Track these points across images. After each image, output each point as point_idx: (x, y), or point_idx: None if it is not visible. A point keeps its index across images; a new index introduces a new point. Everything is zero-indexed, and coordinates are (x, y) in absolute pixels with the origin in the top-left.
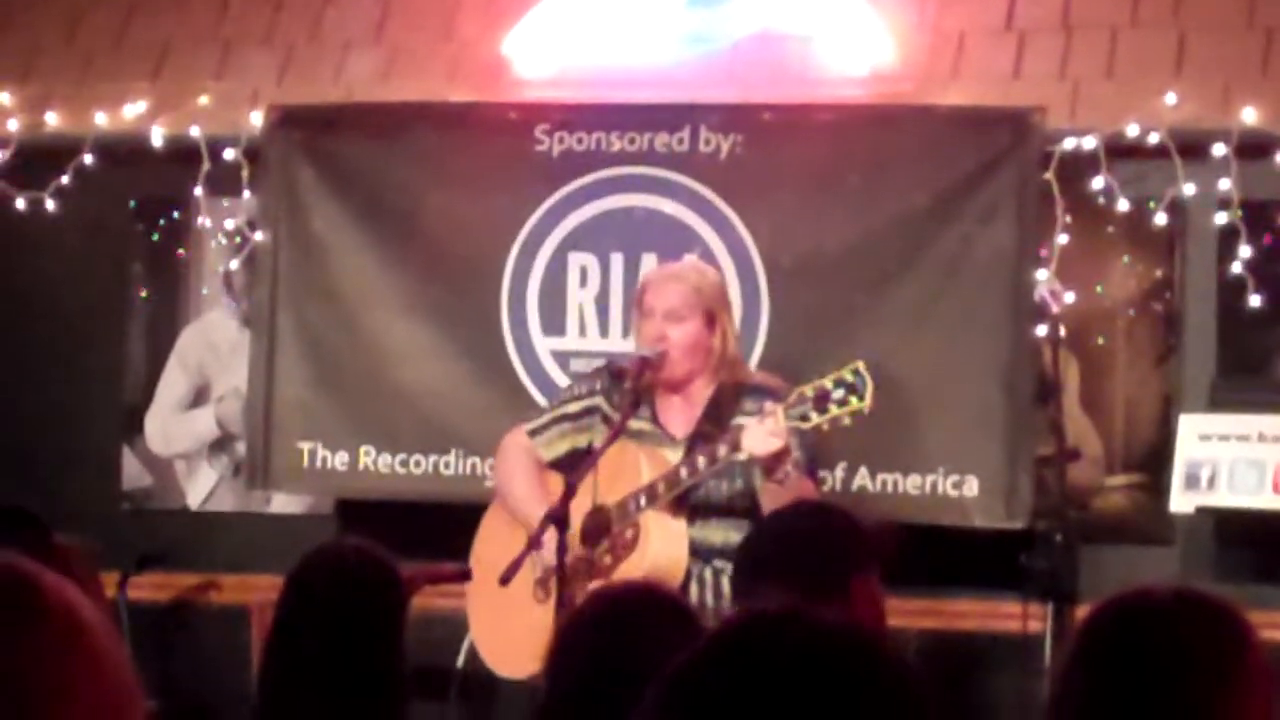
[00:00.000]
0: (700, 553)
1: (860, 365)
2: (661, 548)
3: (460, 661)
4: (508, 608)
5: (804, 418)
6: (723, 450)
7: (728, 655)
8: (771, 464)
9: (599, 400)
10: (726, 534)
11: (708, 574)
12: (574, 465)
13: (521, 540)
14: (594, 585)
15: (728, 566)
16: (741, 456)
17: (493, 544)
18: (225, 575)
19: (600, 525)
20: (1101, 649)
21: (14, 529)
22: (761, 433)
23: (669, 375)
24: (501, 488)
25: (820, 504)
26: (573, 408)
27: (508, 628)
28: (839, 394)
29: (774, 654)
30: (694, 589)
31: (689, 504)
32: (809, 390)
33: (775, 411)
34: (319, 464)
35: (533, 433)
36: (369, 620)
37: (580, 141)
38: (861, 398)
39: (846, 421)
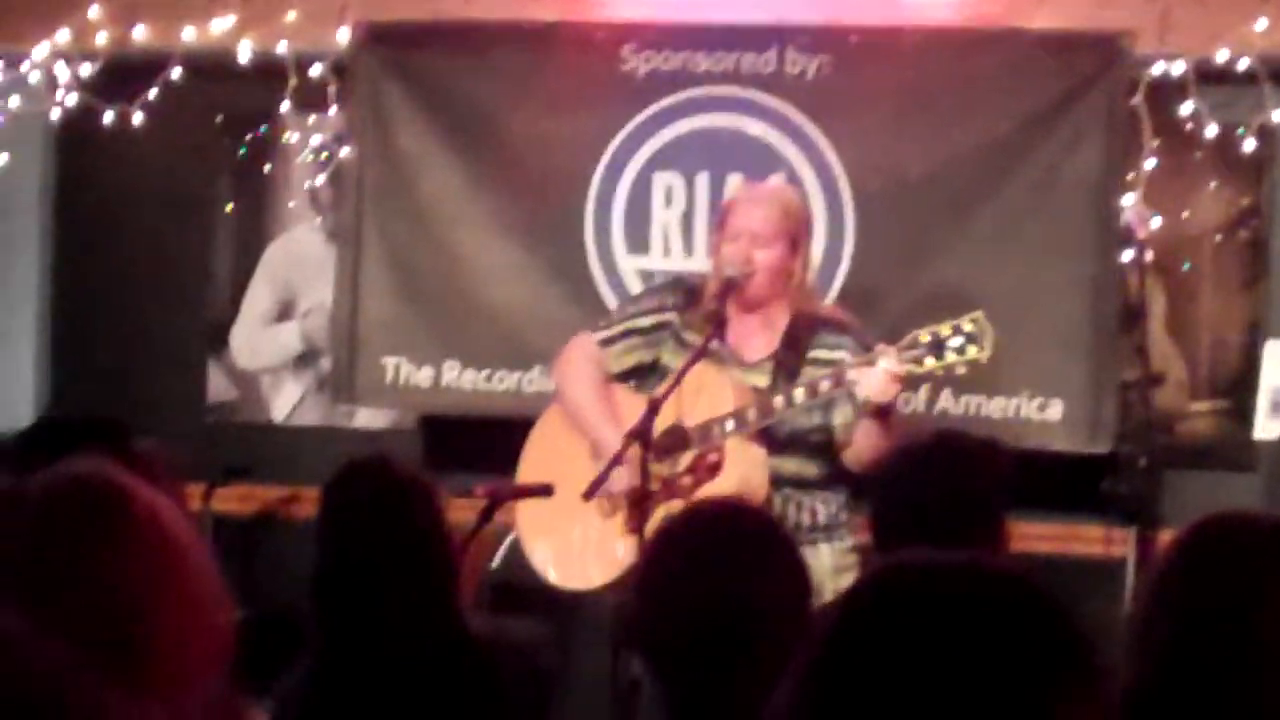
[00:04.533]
0: (774, 481)
1: (979, 315)
2: (745, 473)
3: (495, 563)
4: (568, 517)
5: (917, 362)
6: (825, 386)
7: (887, 605)
8: (883, 408)
9: (671, 316)
10: (800, 465)
11: (777, 500)
12: (639, 380)
13: (582, 448)
14: (672, 505)
15: (796, 494)
16: (848, 395)
17: (549, 448)
18: (309, 488)
19: (675, 444)
20: (1201, 566)
21: (96, 437)
22: (879, 377)
23: (750, 298)
24: (567, 394)
25: (960, 438)
26: (644, 322)
27: (569, 537)
28: (957, 342)
29: (931, 601)
30: None
31: (764, 434)
32: (924, 336)
33: (890, 354)
34: (403, 379)
35: (603, 343)
36: (408, 524)
37: (666, 61)
38: (981, 348)
39: (961, 370)
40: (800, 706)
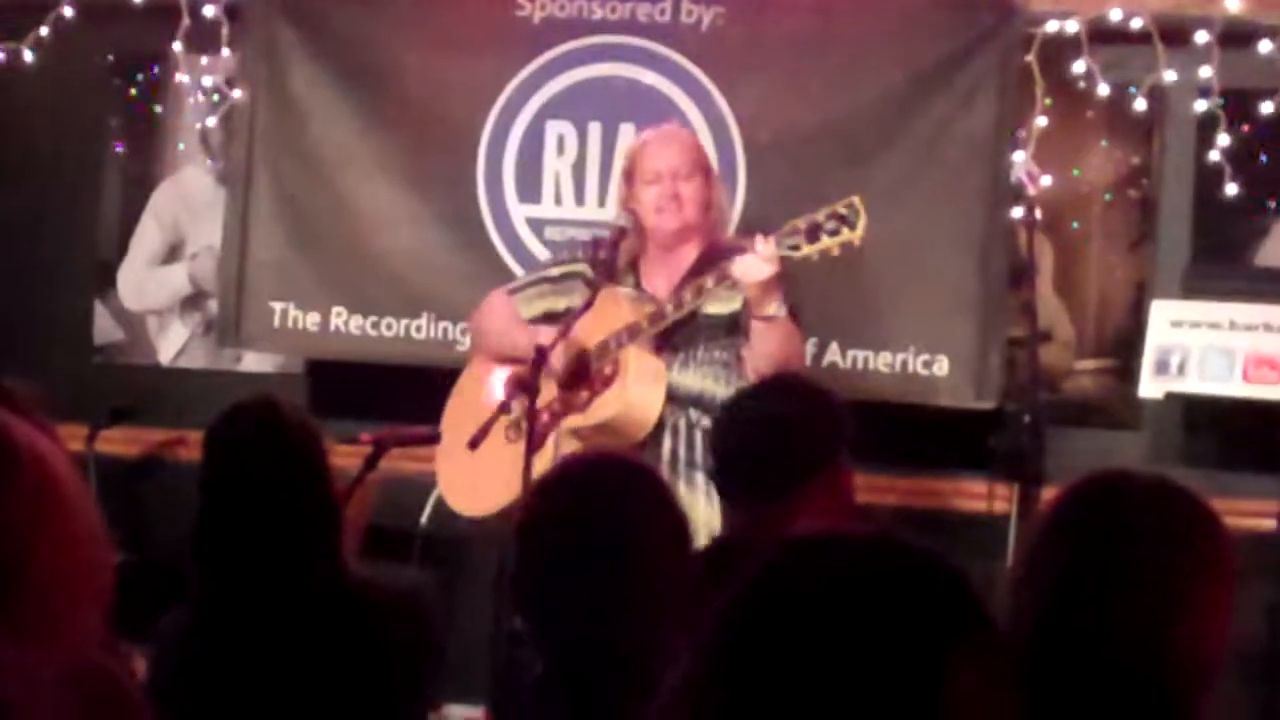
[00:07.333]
0: (677, 399)
1: (856, 200)
2: (639, 383)
3: (424, 520)
4: (478, 453)
5: (794, 248)
6: (709, 281)
7: (784, 585)
8: (760, 296)
9: (582, 266)
10: (704, 382)
11: (682, 424)
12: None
13: (492, 399)
14: (570, 421)
15: (702, 418)
16: (727, 286)
17: (464, 403)
18: (194, 431)
19: (581, 369)
20: (1083, 522)
21: None
22: (752, 261)
23: (672, 234)
24: (482, 328)
25: (793, 382)
26: (554, 271)
27: (476, 470)
28: (831, 225)
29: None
30: (667, 440)
31: (667, 349)
32: (800, 222)
33: (768, 241)
34: (290, 323)
35: (512, 291)
36: (291, 467)
37: (562, 9)
38: (854, 228)
39: (836, 252)
40: (698, 686)
